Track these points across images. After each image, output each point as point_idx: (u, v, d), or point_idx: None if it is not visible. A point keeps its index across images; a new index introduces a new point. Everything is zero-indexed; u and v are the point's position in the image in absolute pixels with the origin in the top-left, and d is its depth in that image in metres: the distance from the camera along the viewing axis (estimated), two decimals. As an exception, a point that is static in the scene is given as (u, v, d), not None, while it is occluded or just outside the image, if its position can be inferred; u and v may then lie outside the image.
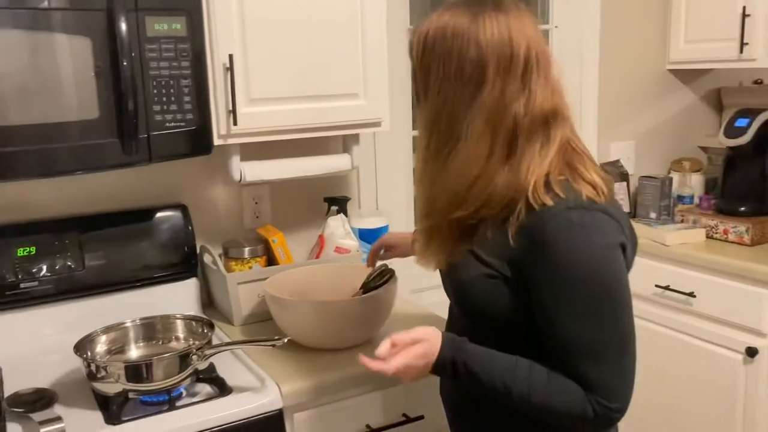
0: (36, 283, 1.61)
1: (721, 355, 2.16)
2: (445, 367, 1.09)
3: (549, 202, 1.02)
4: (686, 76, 2.71)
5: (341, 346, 1.56)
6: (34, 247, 1.62)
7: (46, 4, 1.32)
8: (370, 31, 1.70)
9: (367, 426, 1.50)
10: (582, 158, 1.09)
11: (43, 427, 1.22)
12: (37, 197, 1.68)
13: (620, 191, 2.59)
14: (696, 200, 2.59)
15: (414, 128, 2.21)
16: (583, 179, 1.06)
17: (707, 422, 2.23)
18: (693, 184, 2.63)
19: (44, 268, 1.62)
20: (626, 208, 2.58)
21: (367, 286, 1.61)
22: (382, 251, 1.64)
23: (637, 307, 2.47)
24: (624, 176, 2.59)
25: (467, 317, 1.16)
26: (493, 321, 1.10)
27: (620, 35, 2.55)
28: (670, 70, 2.68)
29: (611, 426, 1.08)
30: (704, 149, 2.79)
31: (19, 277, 1.59)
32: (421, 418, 1.54)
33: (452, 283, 1.16)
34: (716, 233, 2.33)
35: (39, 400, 1.33)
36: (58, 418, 1.24)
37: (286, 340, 1.36)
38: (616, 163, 2.61)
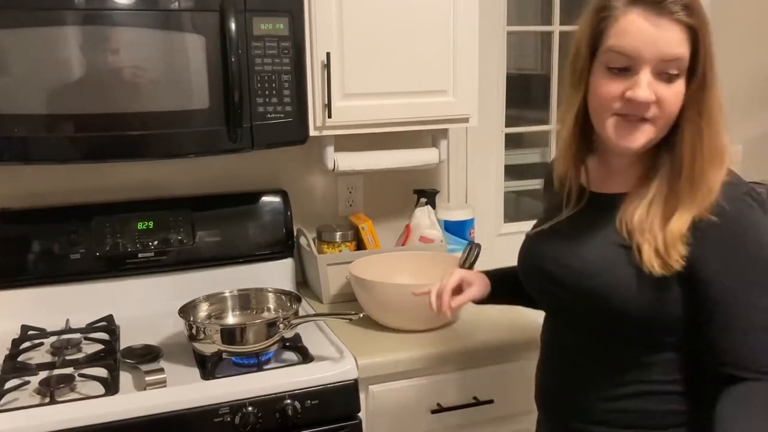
0: (152, 254, 1.81)
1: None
2: None
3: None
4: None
5: (417, 327, 1.65)
6: (152, 222, 1.82)
7: (176, 5, 1.50)
8: (462, 30, 1.78)
9: (438, 404, 1.59)
10: None
11: (147, 375, 1.39)
12: (155, 178, 1.88)
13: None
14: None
15: (505, 125, 2.26)
16: None
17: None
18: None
19: (160, 241, 1.82)
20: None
21: (465, 268, 1.69)
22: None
23: None
24: (728, 181, 2.51)
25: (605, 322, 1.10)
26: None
27: (728, 37, 2.47)
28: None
29: None
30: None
31: (138, 247, 1.79)
32: (490, 402, 1.61)
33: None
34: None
35: (147, 354, 1.52)
36: (161, 370, 1.42)
37: (361, 315, 1.47)
38: (719, 168, 2.54)
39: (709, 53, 1.01)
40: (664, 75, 1.01)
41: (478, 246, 1.76)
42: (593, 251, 1.09)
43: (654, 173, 1.08)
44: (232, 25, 1.52)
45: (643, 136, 1.04)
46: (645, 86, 1.00)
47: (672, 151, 1.06)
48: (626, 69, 1.02)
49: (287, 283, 1.92)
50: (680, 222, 1.01)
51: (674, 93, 1.02)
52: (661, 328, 1.06)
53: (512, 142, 2.36)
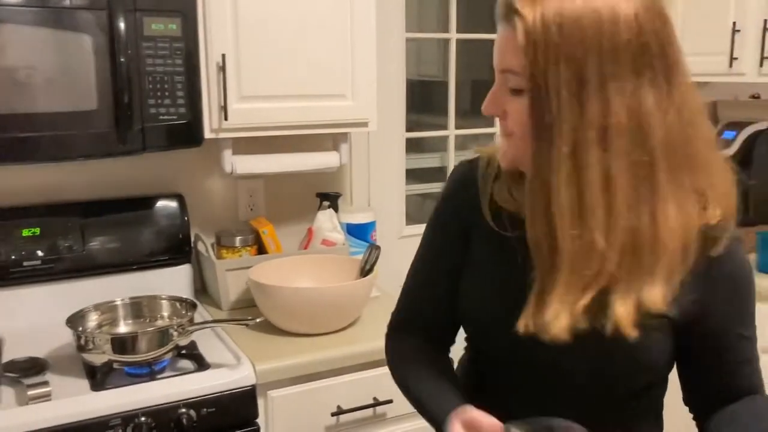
0: (39, 262, 1.72)
1: None
2: None
3: None
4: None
5: (316, 331, 1.65)
6: (38, 229, 1.74)
7: (62, 3, 1.44)
8: (359, 34, 1.79)
9: (338, 407, 1.59)
10: None
11: (30, 389, 1.33)
12: (42, 182, 1.79)
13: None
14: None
15: (407, 129, 2.29)
16: None
17: None
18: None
19: (47, 248, 1.73)
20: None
21: (365, 270, 1.75)
22: None
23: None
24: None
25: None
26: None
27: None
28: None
29: None
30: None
31: (23, 255, 1.70)
32: (390, 401, 1.62)
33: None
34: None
35: (32, 367, 1.45)
36: (45, 383, 1.36)
37: (257, 320, 1.46)
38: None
39: (550, 64, 0.81)
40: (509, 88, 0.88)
41: (378, 248, 1.79)
42: None
43: None
44: (121, 25, 1.48)
45: (509, 150, 0.92)
46: (488, 96, 0.91)
47: None
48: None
49: (185, 290, 1.88)
50: None
51: (516, 108, 0.87)
52: None
53: (414, 146, 2.40)
